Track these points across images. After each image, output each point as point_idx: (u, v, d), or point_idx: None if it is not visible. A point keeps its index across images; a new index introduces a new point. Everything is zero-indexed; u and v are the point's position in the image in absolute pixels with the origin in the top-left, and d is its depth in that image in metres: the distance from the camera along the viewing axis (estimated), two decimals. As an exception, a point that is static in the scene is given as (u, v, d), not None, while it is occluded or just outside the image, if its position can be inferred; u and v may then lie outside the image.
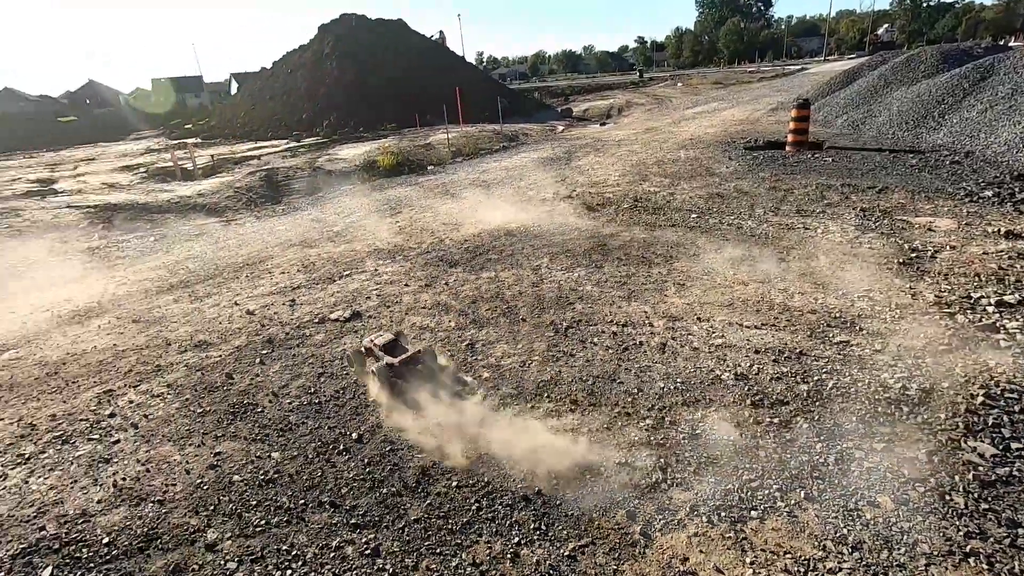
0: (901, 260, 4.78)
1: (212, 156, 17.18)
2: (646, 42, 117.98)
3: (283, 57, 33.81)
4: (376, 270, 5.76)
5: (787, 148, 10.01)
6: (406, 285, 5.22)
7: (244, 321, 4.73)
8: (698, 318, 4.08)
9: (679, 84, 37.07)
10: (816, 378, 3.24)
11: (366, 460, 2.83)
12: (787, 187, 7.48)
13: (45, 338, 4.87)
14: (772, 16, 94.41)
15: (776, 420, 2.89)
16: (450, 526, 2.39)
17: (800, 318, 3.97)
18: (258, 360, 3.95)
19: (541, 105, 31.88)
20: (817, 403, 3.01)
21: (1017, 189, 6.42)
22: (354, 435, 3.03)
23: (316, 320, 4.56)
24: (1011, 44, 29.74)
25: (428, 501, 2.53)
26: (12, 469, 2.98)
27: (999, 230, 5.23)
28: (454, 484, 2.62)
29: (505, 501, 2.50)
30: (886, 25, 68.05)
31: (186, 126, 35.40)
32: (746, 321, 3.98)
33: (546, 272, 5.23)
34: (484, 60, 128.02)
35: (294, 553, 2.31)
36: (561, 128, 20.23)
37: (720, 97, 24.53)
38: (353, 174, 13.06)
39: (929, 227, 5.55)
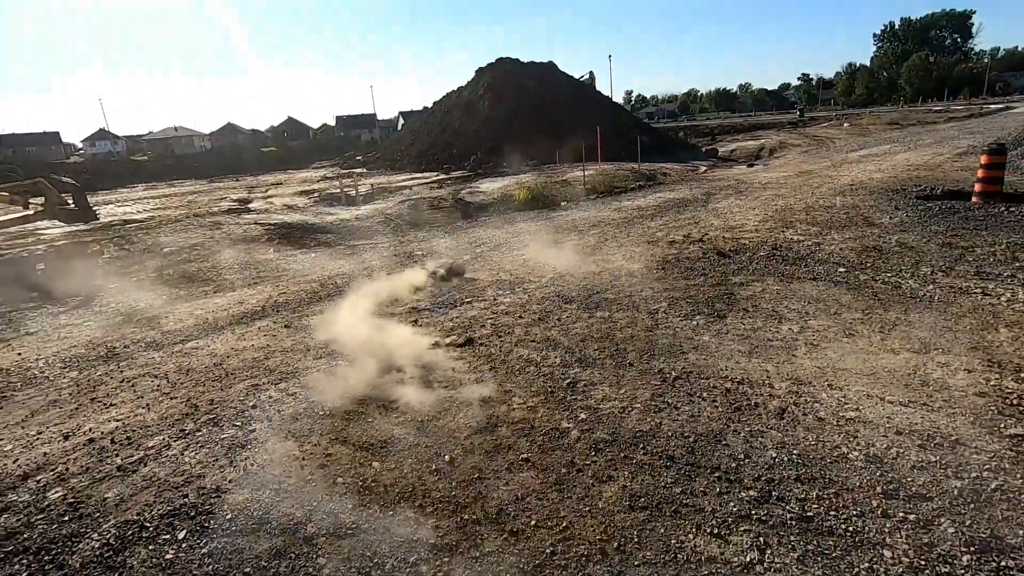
0: (1118, 344, 3.85)
1: (372, 185, 19.26)
2: (811, 79, 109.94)
3: (442, 97, 37.11)
4: (495, 299, 5.99)
5: (973, 199, 8.63)
6: (520, 317, 5.36)
7: (372, 335, 5.19)
8: (829, 385, 3.64)
9: (845, 124, 33.91)
10: (974, 475, 2.71)
11: (453, 482, 2.93)
12: (966, 244, 6.44)
13: (219, 333, 5.77)
14: (971, 48, 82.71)
15: (912, 517, 2.47)
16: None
17: (962, 400, 3.36)
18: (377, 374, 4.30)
19: (684, 144, 31.10)
20: (972, 505, 2.51)
21: None
22: (447, 457, 3.16)
23: (431, 344, 4.85)
24: None
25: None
26: (175, 441, 3.55)
27: None
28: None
29: (581, 551, 2.42)
30: None
31: (356, 157, 40.16)
32: (889, 395, 3.47)
33: (663, 317, 5.04)
34: (632, 99, 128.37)
35: (376, 560, 2.45)
36: (703, 168, 19.51)
37: (894, 139, 21.96)
38: (490, 207, 13.79)
39: None
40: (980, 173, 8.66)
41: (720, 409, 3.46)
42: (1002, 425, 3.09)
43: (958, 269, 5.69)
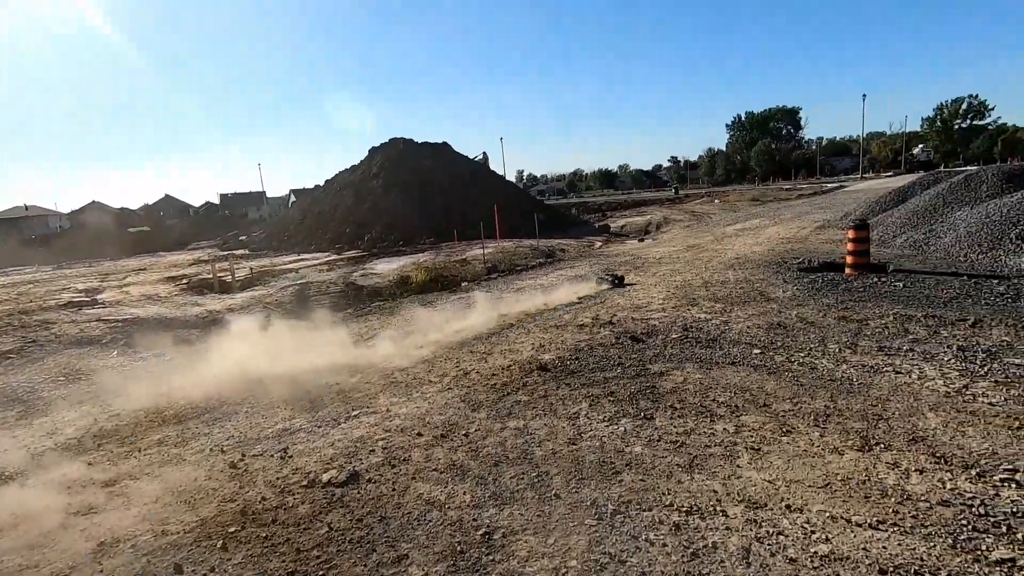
0: (1041, 424, 3.74)
1: (251, 268, 17.58)
2: (679, 161, 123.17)
3: (335, 176, 36.26)
4: (388, 410, 5.02)
5: (847, 271, 9.21)
6: (419, 434, 4.43)
7: (225, 478, 3.99)
8: (787, 506, 3.10)
9: (716, 200, 37.52)
10: (986, 630, 2.19)
11: None
12: (859, 317, 6.59)
13: (40, 475, 4.24)
14: (803, 137, 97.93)
15: None
16: None
17: (929, 513, 2.94)
18: (219, 545, 3.13)
19: (578, 221, 32.50)
20: None
21: None
22: None
23: (305, 483, 3.77)
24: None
25: None
26: None
27: None
28: None
29: None
30: (921, 145, 69.10)
31: (240, 237, 37.50)
32: (855, 514, 2.97)
33: (584, 423, 4.37)
34: (524, 178, 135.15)
35: None
36: (599, 244, 20.10)
37: (760, 214, 24.32)
38: (385, 290, 12.85)
39: (1059, 377, 4.51)
40: (849, 247, 9.31)
41: (674, 557, 2.76)
42: (983, 547, 2.67)
43: (862, 345, 5.67)
